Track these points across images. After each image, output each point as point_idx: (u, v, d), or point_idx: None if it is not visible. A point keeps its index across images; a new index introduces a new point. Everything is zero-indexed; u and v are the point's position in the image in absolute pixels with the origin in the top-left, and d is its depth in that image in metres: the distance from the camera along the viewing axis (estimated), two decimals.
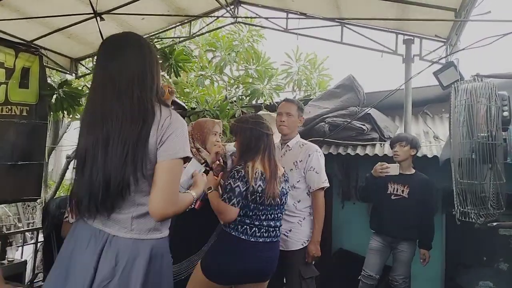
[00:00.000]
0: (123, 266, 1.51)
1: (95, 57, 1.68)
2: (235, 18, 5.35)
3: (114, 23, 4.58)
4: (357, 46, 4.81)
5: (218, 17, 5.68)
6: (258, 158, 2.50)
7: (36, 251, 5.00)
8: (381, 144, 4.62)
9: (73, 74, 5.68)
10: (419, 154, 3.94)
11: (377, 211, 3.85)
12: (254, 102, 6.03)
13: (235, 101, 6.08)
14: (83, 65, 5.94)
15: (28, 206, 10.46)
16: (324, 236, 3.05)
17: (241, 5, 5.26)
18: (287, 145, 3.15)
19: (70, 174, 8.27)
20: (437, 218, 3.99)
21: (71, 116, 5.78)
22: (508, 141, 2.97)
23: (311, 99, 5.64)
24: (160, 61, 5.26)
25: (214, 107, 5.74)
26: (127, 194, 1.53)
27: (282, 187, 2.58)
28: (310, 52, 6.77)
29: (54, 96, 4.99)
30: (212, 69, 6.73)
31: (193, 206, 2.27)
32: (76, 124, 7.57)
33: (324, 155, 3.21)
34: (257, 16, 5.36)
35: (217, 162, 2.76)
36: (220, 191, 2.53)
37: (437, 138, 4.64)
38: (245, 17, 5.73)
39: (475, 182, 2.79)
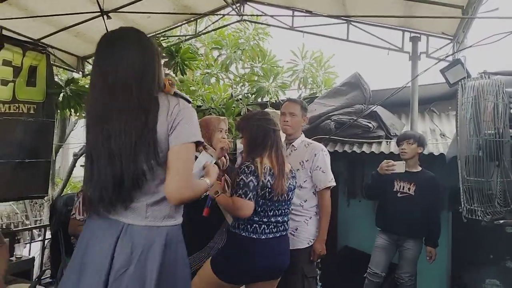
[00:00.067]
0: (139, 254, 1.52)
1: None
2: (241, 16, 5.34)
3: (120, 22, 4.60)
4: (363, 43, 4.79)
5: (224, 15, 5.69)
6: (266, 154, 2.49)
7: (43, 248, 5.05)
8: (387, 142, 4.61)
9: (80, 72, 5.70)
10: (425, 152, 3.93)
11: (383, 208, 3.84)
12: (259, 100, 6.02)
13: (240, 99, 6.08)
14: (90, 63, 5.93)
15: (36, 203, 10.55)
16: (329, 233, 3.05)
17: (247, 3, 5.25)
18: (292, 145, 3.14)
19: (77, 172, 8.34)
20: (443, 216, 3.98)
21: (78, 114, 5.81)
22: None
23: (316, 97, 5.63)
24: (166, 59, 5.33)
25: (219, 105, 5.74)
26: (144, 183, 1.55)
27: (290, 183, 2.58)
28: (316, 49, 6.76)
29: (61, 94, 5.01)
30: (218, 67, 6.73)
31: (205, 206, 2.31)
32: (83, 122, 7.61)
33: (330, 153, 3.21)
34: (263, 14, 5.36)
35: (223, 159, 2.77)
36: (227, 193, 2.53)
37: (443, 135, 4.62)
38: (251, 15, 5.73)
39: (482, 180, 2.77)
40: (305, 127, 3.97)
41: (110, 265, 1.51)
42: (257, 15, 5.80)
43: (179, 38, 5.96)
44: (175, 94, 1.69)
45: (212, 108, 5.64)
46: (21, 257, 4.20)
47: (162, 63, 1.83)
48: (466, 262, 4.29)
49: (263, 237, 2.44)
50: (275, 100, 5.89)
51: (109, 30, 1.76)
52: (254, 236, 2.42)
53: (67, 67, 5.51)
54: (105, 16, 4.26)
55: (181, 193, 1.56)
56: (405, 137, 3.75)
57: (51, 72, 4.63)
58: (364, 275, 3.82)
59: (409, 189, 3.66)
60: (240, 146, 2.86)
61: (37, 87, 4.40)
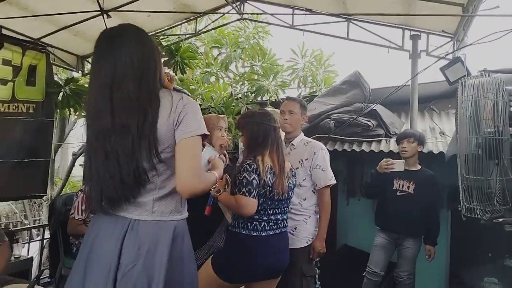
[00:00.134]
0: (147, 249, 1.52)
1: None
2: (241, 15, 5.34)
3: (120, 20, 4.58)
4: (363, 42, 4.78)
5: (224, 13, 5.69)
6: (267, 152, 2.48)
7: (42, 248, 5.05)
8: (386, 140, 4.61)
9: (80, 72, 5.70)
10: (425, 150, 3.93)
11: (382, 207, 3.84)
12: (259, 98, 6.02)
13: (240, 98, 6.08)
14: (89, 63, 5.93)
15: (35, 203, 10.55)
16: (329, 232, 3.05)
17: (247, 1, 5.25)
18: (292, 143, 3.14)
19: (76, 171, 8.34)
20: (442, 214, 3.98)
21: (77, 113, 5.80)
22: None
23: (316, 95, 5.63)
24: (166, 58, 5.32)
25: (219, 104, 5.74)
26: (146, 181, 1.55)
27: (290, 182, 2.57)
28: (315, 48, 6.74)
29: (61, 94, 5.01)
30: (218, 66, 6.72)
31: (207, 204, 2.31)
32: (82, 121, 7.61)
33: (329, 151, 3.21)
34: (263, 12, 5.35)
35: (222, 156, 2.77)
36: (228, 191, 2.52)
37: (443, 134, 4.62)
38: (251, 14, 5.73)
39: (481, 178, 2.78)
40: (304, 126, 3.97)
41: (118, 261, 1.51)
42: (257, 14, 5.80)
43: (179, 37, 5.96)
44: (175, 89, 1.69)
45: (212, 107, 5.64)
46: (19, 257, 4.19)
47: (162, 61, 1.82)
48: (465, 261, 4.30)
49: (264, 234, 2.43)
50: (275, 99, 5.88)
51: None
52: (254, 234, 2.42)
53: (67, 67, 5.51)
54: (105, 15, 4.26)
55: (194, 186, 1.56)
56: (405, 135, 3.75)
57: (51, 71, 4.61)
58: (363, 274, 3.82)
59: (408, 187, 3.66)
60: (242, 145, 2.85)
61: (36, 87, 4.38)
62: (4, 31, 4.31)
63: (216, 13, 5.53)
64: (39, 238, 5.45)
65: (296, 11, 4.95)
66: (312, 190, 3.04)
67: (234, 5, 5.10)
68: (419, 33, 4.48)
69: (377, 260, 3.76)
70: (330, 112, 4.79)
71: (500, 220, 2.86)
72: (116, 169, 1.52)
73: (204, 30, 6.09)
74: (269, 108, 5.18)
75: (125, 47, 1.57)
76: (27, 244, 4.98)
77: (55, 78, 5.30)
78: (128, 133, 1.52)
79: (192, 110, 1.60)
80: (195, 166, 1.57)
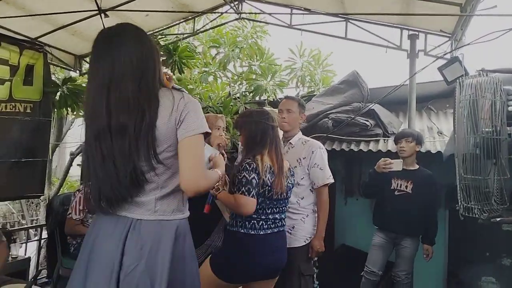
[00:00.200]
0: (149, 249, 1.52)
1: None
2: (239, 14, 5.33)
3: (118, 20, 4.53)
4: (361, 41, 4.78)
5: (222, 13, 5.67)
6: (266, 152, 2.48)
7: (39, 248, 5.04)
8: (384, 140, 4.61)
9: (77, 71, 5.68)
10: (422, 150, 3.94)
11: (380, 207, 3.85)
12: (257, 98, 6.02)
13: (238, 97, 6.07)
14: (87, 62, 5.91)
15: (32, 203, 10.53)
16: (327, 231, 3.05)
17: (245, 1, 5.24)
18: (290, 142, 3.14)
19: (74, 171, 8.32)
20: (440, 214, 3.99)
21: (75, 113, 5.77)
22: None
23: (314, 95, 5.63)
24: (164, 58, 5.31)
25: (217, 103, 5.73)
26: (144, 182, 1.55)
27: (288, 181, 2.57)
28: (314, 48, 6.74)
29: (58, 93, 4.98)
30: (216, 66, 6.71)
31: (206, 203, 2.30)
32: (80, 121, 7.60)
33: (327, 151, 3.21)
34: (261, 12, 5.35)
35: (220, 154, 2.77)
36: (226, 190, 2.52)
37: (441, 133, 4.62)
38: (249, 13, 5.73)
39: (479, 178, 2.78)
40: (303, 125, 3.97)
41: (120, 261, 1.51)
42: (255, 13, 5.80)
43: (177, 37, 5.94)
44: (174, 88, 1.69)
45: (210, 107, 5.63)
46: (17, 257, 4.18)
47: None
48: (462, 260, 4.30)
49: (262, 232, 2.43)
50: (273, 99, 5.88)
51: None
52: (252, 232, 2.42)
53: (64, 66, 5.49)
54: (102, 15, 4.24)
55: (198, 184, 1.57)
56: (404, 135, 3.75)
57: (48, 71, 4.60)
58: (361, 274, 3.82)
59: (406, 187, 3.66)
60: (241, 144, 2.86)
61: (34, 86, 4.37)
62: (1, 31, 4.28)
63: (214, 12, 5.52)
64: (36, 238, 5.45)
65: (294, 11, 4.94)
66: (310, 189, 3.04)
67: (232, 4, 5.09)
68: (417, 33, 4.48)
69: (375, 259, 3.76)
70: (328, 112, 4.79)
71: (498, 219, 2.87)
72: (112, 170, 1.52)
73: (202, 29, 6.08)
74: (267, 108, 5.17)
75: (124, 47, 1.56)
76: (24, 244, 4.97)
77: (53, 77, 5.28)
78: (125, 133, 1.51)
79: (193, 108, 1.60)
80: (198, 164, 1.58)
